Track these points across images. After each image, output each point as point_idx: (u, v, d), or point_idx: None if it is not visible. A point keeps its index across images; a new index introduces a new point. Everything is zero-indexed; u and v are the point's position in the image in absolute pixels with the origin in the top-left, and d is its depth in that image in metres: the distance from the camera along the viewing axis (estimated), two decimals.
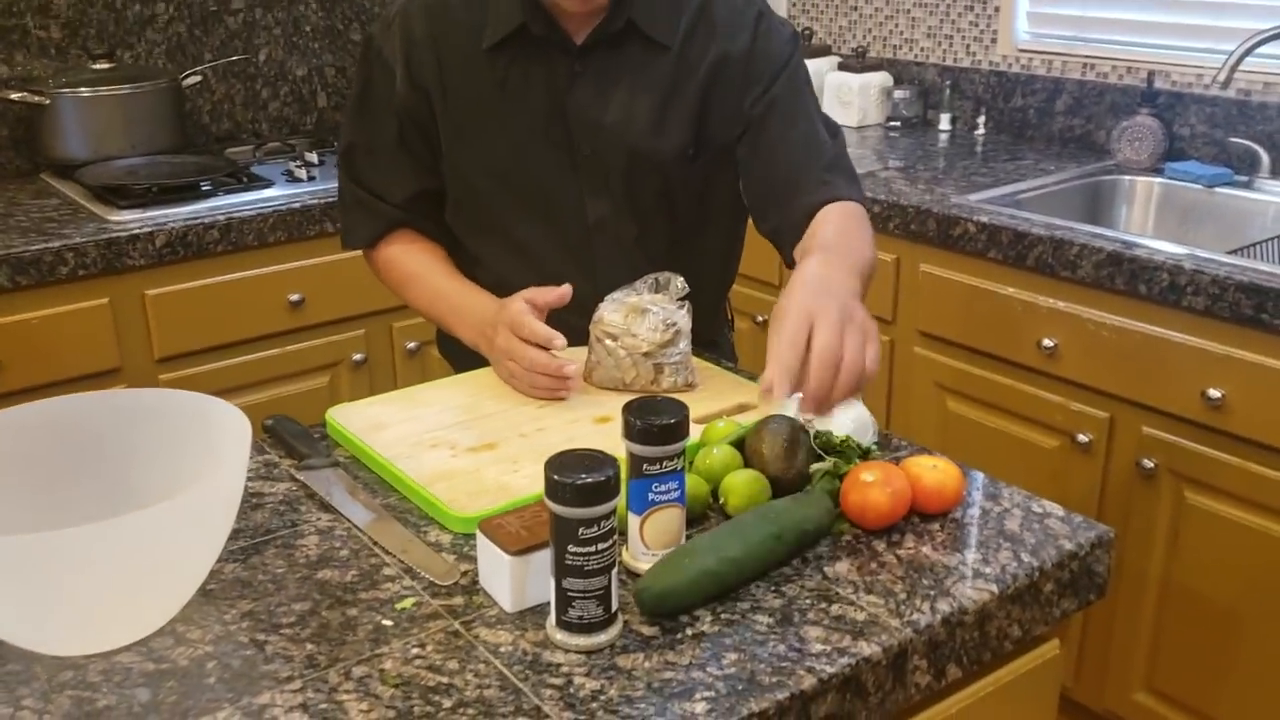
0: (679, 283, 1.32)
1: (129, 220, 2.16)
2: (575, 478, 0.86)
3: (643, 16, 1.36)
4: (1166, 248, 1.93)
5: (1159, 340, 1.90)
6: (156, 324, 2.19)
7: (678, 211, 1.46)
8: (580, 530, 0.87)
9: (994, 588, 0.99)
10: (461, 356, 1.54)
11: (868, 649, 0.91)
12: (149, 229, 2.14)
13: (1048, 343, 2.04)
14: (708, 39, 1.39)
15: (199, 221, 2.19)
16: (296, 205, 2.29)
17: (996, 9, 2.79)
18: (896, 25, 3.03)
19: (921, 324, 2.27)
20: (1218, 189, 2.31)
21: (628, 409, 0.97)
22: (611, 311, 1.31)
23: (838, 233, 1.30)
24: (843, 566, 1.02)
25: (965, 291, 2.17)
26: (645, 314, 1.29)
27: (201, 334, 2.24)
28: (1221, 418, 1.84)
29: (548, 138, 1.39)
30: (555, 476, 0.87)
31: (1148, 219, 2.42)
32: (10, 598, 0.87)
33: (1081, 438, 2.02)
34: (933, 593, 0.98)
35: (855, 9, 3.12)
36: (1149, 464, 1.94)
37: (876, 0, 3.06)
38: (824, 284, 1.12)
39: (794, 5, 3.28)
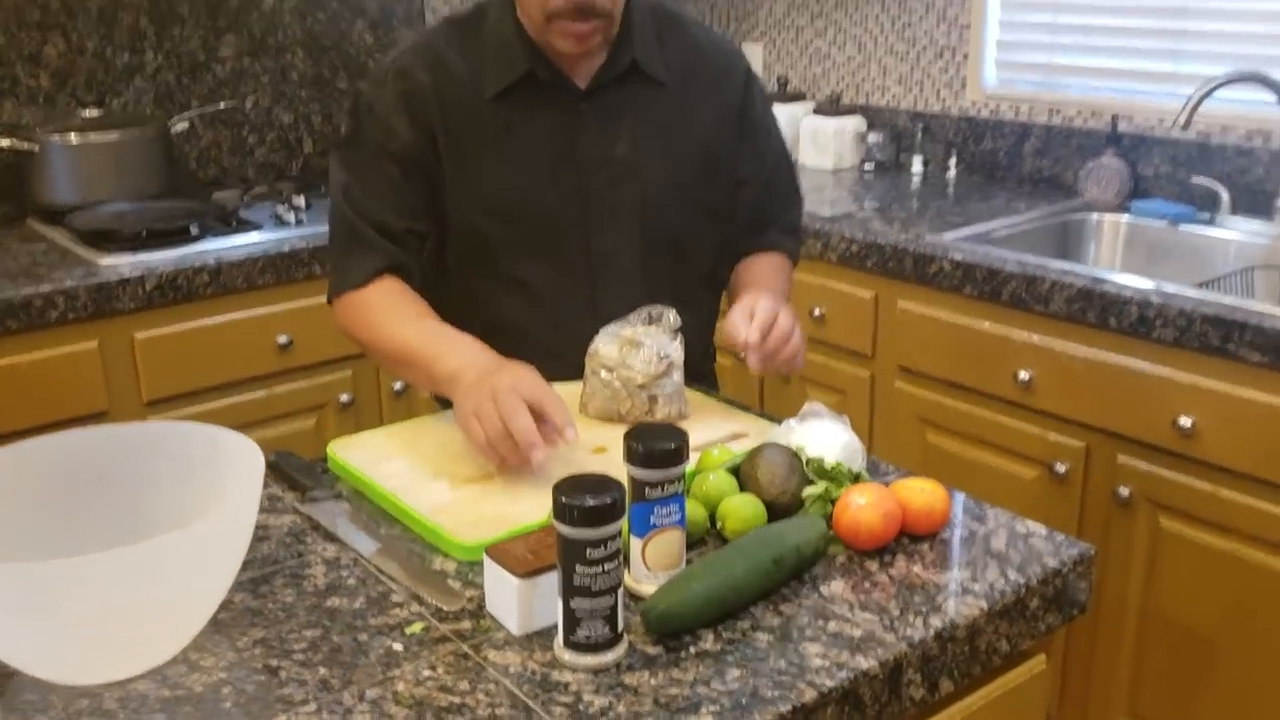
0: (671, 316, 1.37)
1: (119, 264, 2.19)
2: (583, 500, 0.90)
3: (642, 56, 1.45)
4: (1135, 282, 2.00)
5: (1130, 371, 1.96)
6: (145, 367, 2.21)
7: (678, 245, 1.53)
8: (588, 551, 0.91)
9: (983, 603, 1.03)
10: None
11: (865, 663, 0.94)
12: (139, 272, 2.16)
13: (1024, 375, 2.10)
14: (705, 84, 1.50)
15: (188, 265, 2.22)
16: (285, 248, 2.32)
17: (965, 56, 2.87)
18: (868, 73, 3.11)
19: (901, 359, 2.32)
20: (1182, 226, 2.38)
21: (630, 435, 1.01)
22: (606, 344, 1.35)
23: (768, 274, 1.57)
24: (838, 586, 1.06)
25: (942, 327, 2.23)
26: (639, 346, 1.33)
27: (190, 376, 2.26)
28: (1193, 445, 1.89)
29: (556, 176, 1.45)
30: (563, 499, 0.90)
31: (1116, 255, 2.49)
32: (26, 626, 0.89)
33: (1059, 467, 2.07)
34: (925, 609, 1.01)
35: (828, 57, 3.20)
36: (1125, 492, 1.99)
37: (849, 49, 3.14)
38: (761, 291, 1.40)
39: (769, 54, 3.36)
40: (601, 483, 0.92)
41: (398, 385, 2.52)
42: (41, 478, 1.02)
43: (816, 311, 2.46)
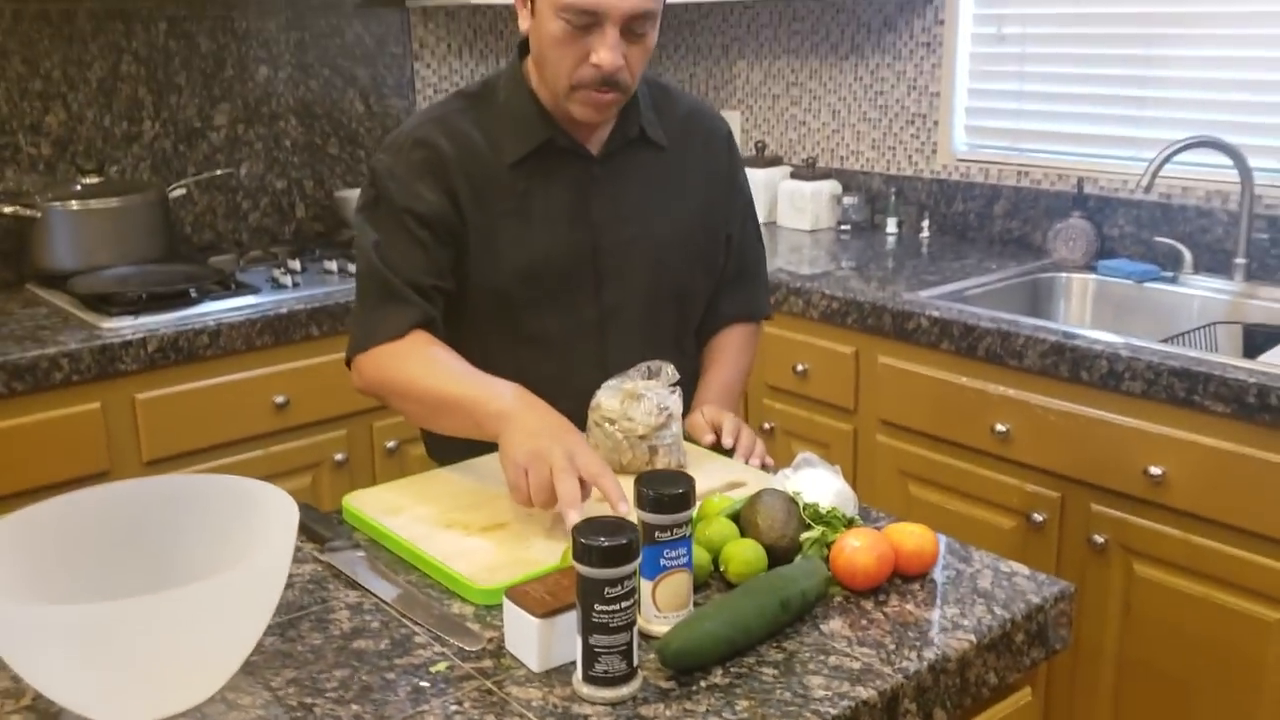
0: (669, 370, 1.44)
1: (121, 327, 2.24)
2: (601, 541, 0.96)
3: (647, 124, 1.58)
4: (1105, 337, 2.09)
5: (1102, 423, 2.05)
6: (146, 427, 2.25)
7: (680, 298, 1.64)
8: (606, 590, 0.97)
9: (972, 638, 1.09)
10: (451, 459, 1.62)
11: (864, 693, 1.00)
12: (141, 335, 2.22)
13: (1000, 428, 2.18)
14: (697, 147, 1.64)
15: (189, 327, 2.28)
16: (283, 310, 2.39)
17: (935, 123, 2.99)
18: (843, 138, 3.23)
19: (882, 413, 2.40)
20: (1147, 284, 2.49)
21: (640, 481, 1.07)
22: (609, 398, 1.42)
23: (735, 356, 1.74)
24: (836, 623, 1.12)
25: (922, 381, 2.31)
26: (640, 399, 1.40)
27: (189, 436, 2.31)
28: (1163, 493, 1.98)
29: (571, 236, 1.54)
30: (583, 540, 0.97)
31: (1085, 312, 2.59)
32: (75, 666, 0.94)
33: (1036, 517, 2.15)
34: (918, 643, 1.08)
35: (804, 123, 3.33)
36: (1099, 539, 2.07)
37: (824, 115, 3.26)
38: (714, 405, 1.62)
39: (747, 120, 3.48)
40: (618, 525, 0.99)
41: (390, 444, 2.58)
42: (82, 528, 1.08)
43: (799, 367, 2.54)
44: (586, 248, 1.55)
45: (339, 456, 2.50)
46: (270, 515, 1.05)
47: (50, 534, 1.06)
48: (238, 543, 1.06)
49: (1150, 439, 1.98)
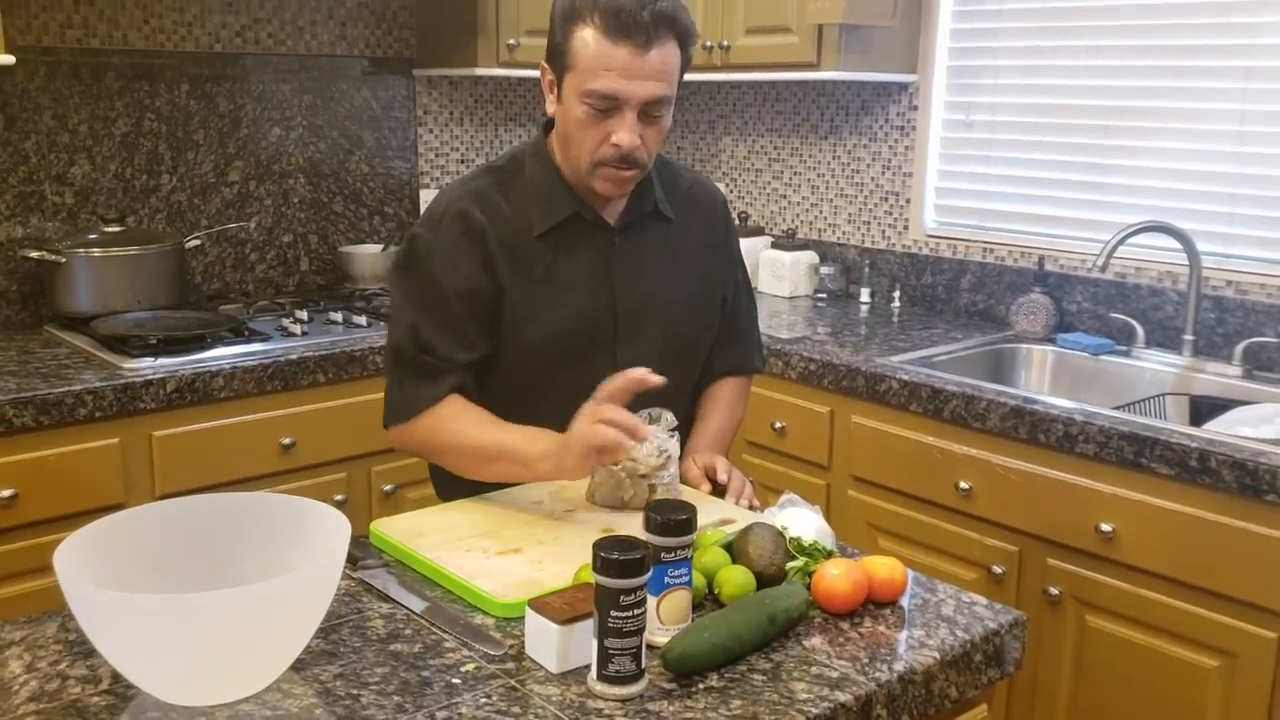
0: (669, 416, 1.60)
1: (142, 367, 2.37)
2: (618, 555, 1.11)
3: (660, 201, 1.75)
4: (1061, 403, 2.26)
5: (1058, 482, 2.21)
6: (160, 462, 2.38)
7: (687, 354, 1.80)
8: (621, 598, 1.11)
9: (936, 655, 1.24)
10: (458, 498, 1.77)
11: (842, 696, 1.15)
12: (161, 375, 2.35)
13: (964, 485, 2.34)
14: (698, 217, 1.83)
15: (206, 369, 2.41)
16: (293, 356, 2.53)
17: (908, 201, 3.20)
18: (821, 212, 3.43)
19: (854, 469, 2.56)
20: (1102, 356, 2.68)
21: (649, 508, 1.22)
22: None
23: (727, 408, 1.91)
24: (816, 640, 1.27)
25: (891, 440, 2.47)
26: (642, 442, 1.55)
27: (200, 473, 2.43)
28: (1113, 549, 2.14)
29: (594, 299, 1.70)
30: (602, 554, 1.11)
31: (1044, 381, 2.77)
32: (153, 651, 1.07)
33: (996, 569, 2.31)
34: (889, 658, 1.23)
35: (785, 197, 3.52)
36: (1054, 591, 2.22)
37: (803, 190, 3.47)
38: (709, 451, 1.81)
39: (730, 192, 3.67)
40: (632, 543, 1.14)
41: (387, 487, 2.71)
42: (150, 536, 1.21)
43: (777, 424, 2.70)
44: (607, 311, 1.71)
45: (339, 497, 2.63)
46: (323, 528, 1.19)
47: (126, 540, 1.19)
48: (293, 552, 1.20)
49: (1102, 498, 2.15)
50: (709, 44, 3.15)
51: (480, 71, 3.14)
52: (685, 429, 1.66)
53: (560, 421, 1.62)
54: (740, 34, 3.11)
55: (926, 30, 3.08)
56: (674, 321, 1.76)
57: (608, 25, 1.53)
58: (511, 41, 3.08)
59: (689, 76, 3.22)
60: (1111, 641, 2.17)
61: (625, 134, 1.56)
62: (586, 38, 1.54)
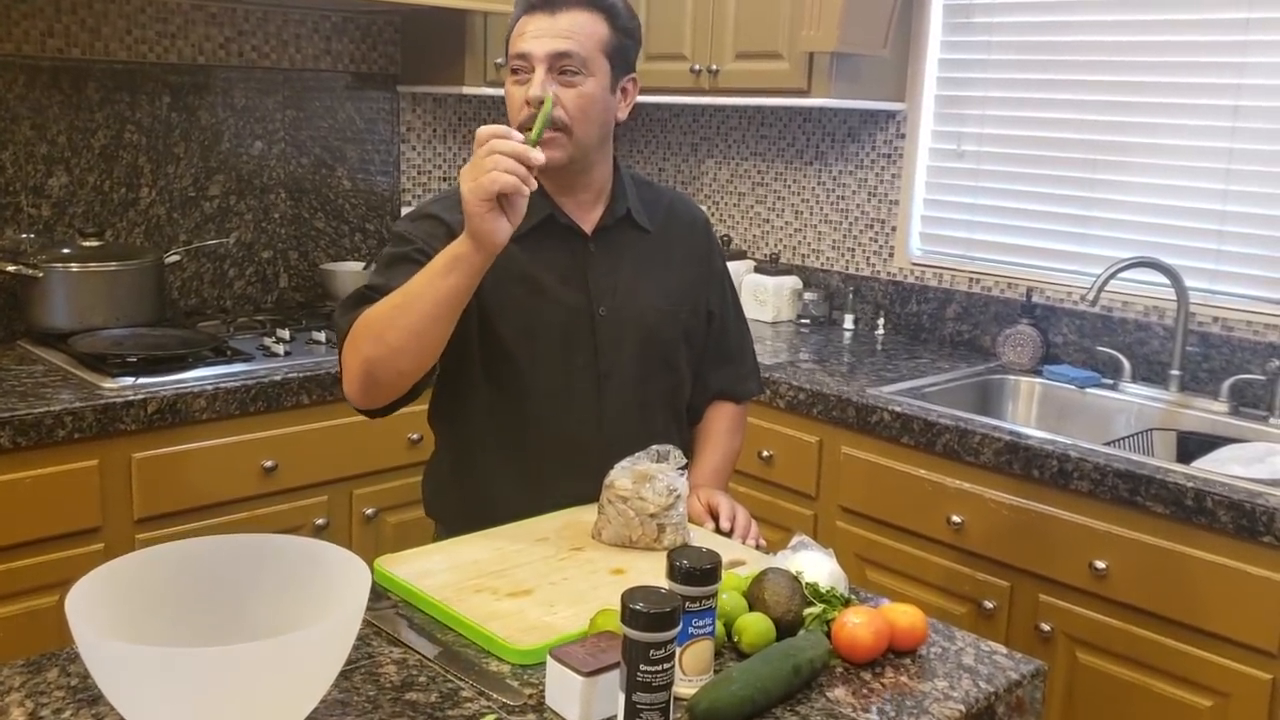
0: (677, 454, 1.57)
1: (123, 387, 2.31)
2: (649, 608, 1.08)
3: (633, 208, 1.78)
4: (1055, 438, 2.27)
5: (1050, 518, 2.21)
6: (140, 485, 2.32)
7: (668, 364, 1.81)
8: (651, 652, 1.08)
9: (961, 708, 1.23)
10: (451, 517, 1.77)
11: None
12: (142, 396, 2.29)
13: (955, 519, 2.34)
14: (678, 232, 1.86)
15: (188, 390, 2.35)
16: (276, 378, 2.48)
17: (893, 228, 3.20)
18: (805, 237, 3.43)
19: (842, 500, 2.55)
20: (1088, 389, 2.69)
21: (672, 555, 1.20)
22: (622, 477, 1.54)
23: (724, 440, 1.93)
24: (840, 692, 1.25)
25: (881, 472, 2.47)
26: (652, 480, 1.53)
27: (179, 496, 2.37)
28: (1106, 586, 2.14)
29: (570, 300, 1.72)
30: (631, 606, 1.09)
31: (1031, 413, 2.78)
32: (165, 706, 1.02)
33: (987, 604, 2.30)
34: (915, 711, 1.21)
35: (768, 221, 3.52)
36: (1046, 628, 2.22)
37: (787, 214, 3.46)
38: (710, 487, 1.82)
39: (713, 215, 3.66)
40: (661, 595, 1.11)
41: (369, 511, 2.66)
42: (164, 579, 1.17)
43: (765, 453, 2.68)
44: (584, 313, 1.73)
45: (320, 521, 2.58)
46: (342, 577, 1.15)
47: (132, 580, 1.15)
48: (309, 600, 1.16)
49: (1095, 535, 2.15)
50: (697, 67, 3.14)
51: (467, 90, 3.10)
52: (677, 446, 1.66)
53: (542, 426, 1.61)
54: (730, 58, 3.10)
55: (915, 59, 3.09)
56: (652, 326, 1.78)
57: (528, 3, 1.65)
58: (499, 61, 3.05)
59: (674, 99, 3.22)
60: (1103, 679, 2.17)
61: (535, 88, 1.61)
62: (513, 21, 1.67)
